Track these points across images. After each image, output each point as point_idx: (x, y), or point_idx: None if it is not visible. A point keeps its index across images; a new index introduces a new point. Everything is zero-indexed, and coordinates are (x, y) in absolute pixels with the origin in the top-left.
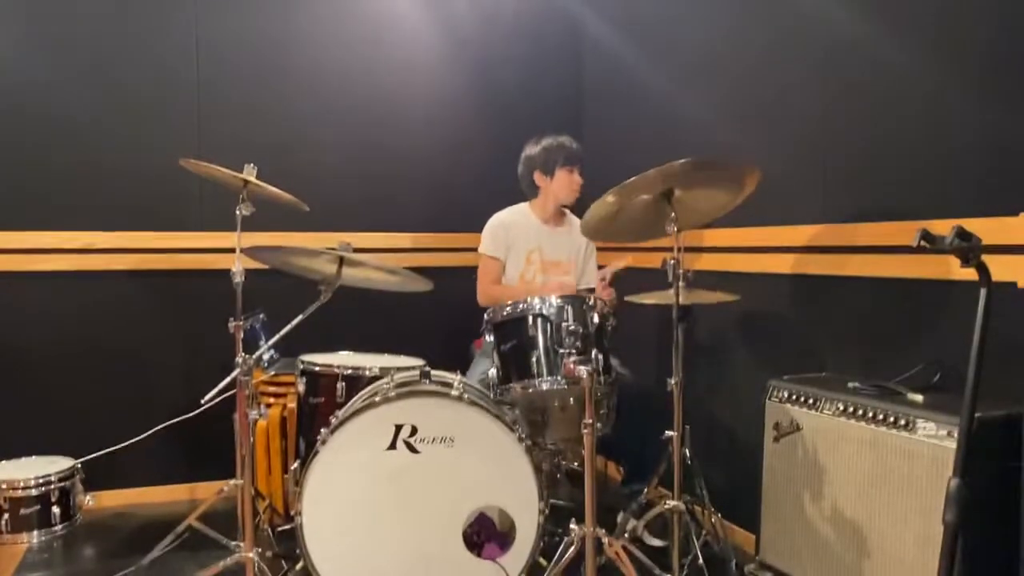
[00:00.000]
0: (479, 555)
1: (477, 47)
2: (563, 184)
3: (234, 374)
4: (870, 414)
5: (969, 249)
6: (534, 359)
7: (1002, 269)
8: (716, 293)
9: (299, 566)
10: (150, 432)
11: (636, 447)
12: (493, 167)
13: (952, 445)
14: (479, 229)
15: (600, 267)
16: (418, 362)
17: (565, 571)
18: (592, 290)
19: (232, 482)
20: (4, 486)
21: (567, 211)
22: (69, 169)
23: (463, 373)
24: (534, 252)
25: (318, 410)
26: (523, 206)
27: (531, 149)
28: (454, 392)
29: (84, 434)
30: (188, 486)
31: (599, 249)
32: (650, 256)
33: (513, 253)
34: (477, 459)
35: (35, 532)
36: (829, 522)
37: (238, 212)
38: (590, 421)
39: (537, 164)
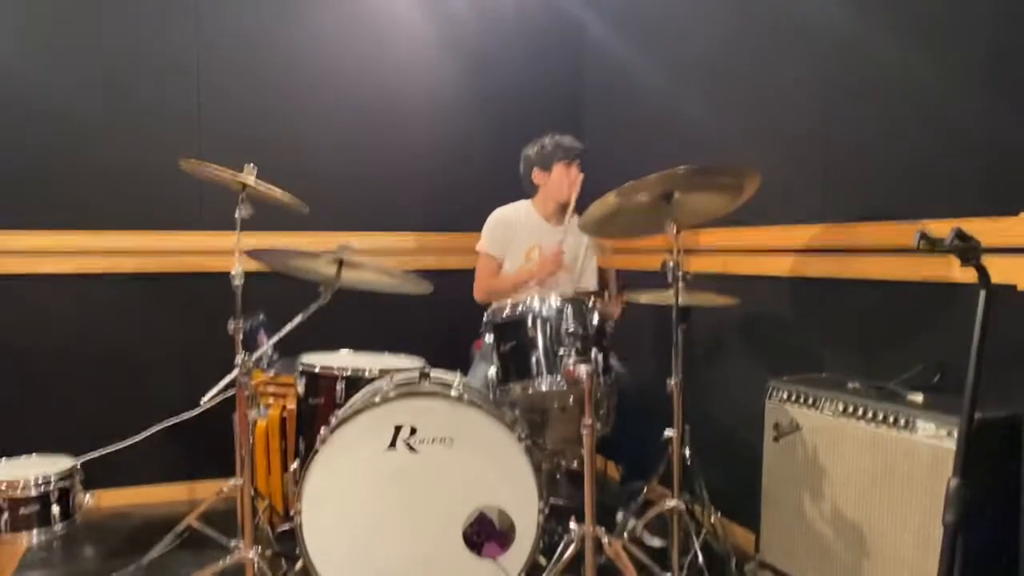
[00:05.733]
0: (479, 555)
1: (477, 47)
2: (560, 178)
3: (234, 374)
4: (870, 414)
5: (968, 250)
6: (534, 360)
7: (1002, 271)
8: (715, 295)
9: (299, 566)
10: (150, 432)
11: (636, 447)
12: (494, 167)
13: (952, 445)
14: (480, 228)
15: (614, 273)
16: (418, 362)
17: (565, 571)
18: (592, 293)
19: (232, 482)
20: (4, 486)
21: (569, 211)
22: (69, 170)
23: (463, 373)
24: (534, 249)
25: (318, 410)
26: (525, 203)
27: (530, 148)
28: (453, 392)
29: (84, 434)
30: (188, 486)
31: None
32: (649, 258)
33: (512, 249)
34: (476, 459)
35: (35, 532)
36: (829, 522)
37: (238, 212)
38: (590, 421)
39: (535, 161)
